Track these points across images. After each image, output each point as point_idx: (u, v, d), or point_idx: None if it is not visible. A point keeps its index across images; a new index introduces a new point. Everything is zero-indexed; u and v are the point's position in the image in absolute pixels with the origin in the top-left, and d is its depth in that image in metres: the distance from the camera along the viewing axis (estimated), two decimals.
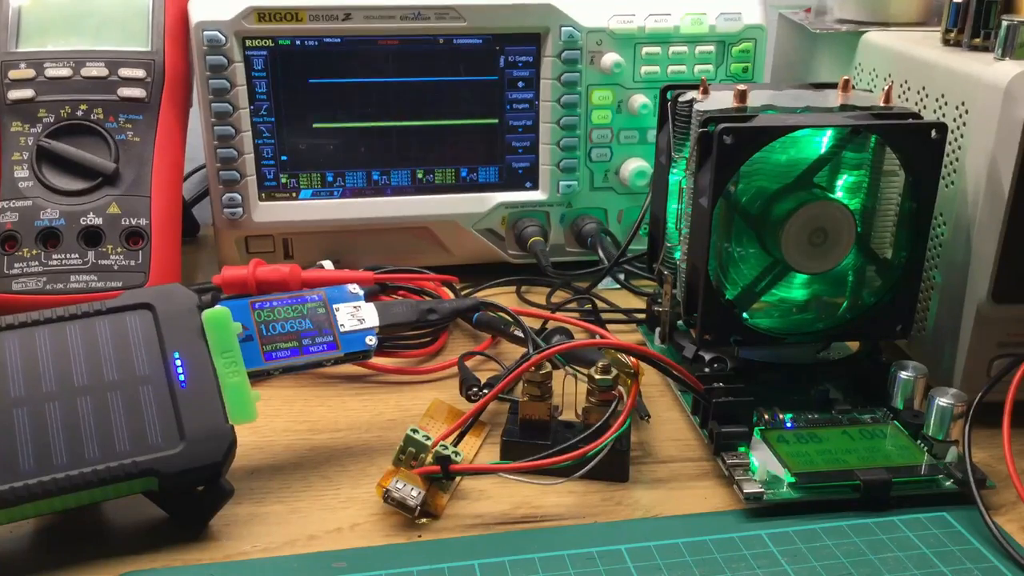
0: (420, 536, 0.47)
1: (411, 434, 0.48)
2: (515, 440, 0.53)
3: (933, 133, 0.52)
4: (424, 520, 0.48)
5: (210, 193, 0.73)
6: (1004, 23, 0.55)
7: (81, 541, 0.46)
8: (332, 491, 0.51)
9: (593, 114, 0.76)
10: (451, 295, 0.71)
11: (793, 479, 0.49)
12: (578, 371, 0.55)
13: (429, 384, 0.63)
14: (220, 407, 0.46)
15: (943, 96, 0.58)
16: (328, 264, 0.69)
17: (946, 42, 0.61)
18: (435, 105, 0.74)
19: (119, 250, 0.65)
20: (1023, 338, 0.56)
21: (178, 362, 0.47)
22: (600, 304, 0.72)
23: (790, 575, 0.44)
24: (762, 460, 0.50)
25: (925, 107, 0.60)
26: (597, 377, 0.52)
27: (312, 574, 0.44)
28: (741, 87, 0.54)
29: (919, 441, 0.53)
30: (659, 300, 0.64)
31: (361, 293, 0.54)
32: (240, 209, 0.73)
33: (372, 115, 0.74)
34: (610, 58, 0.74)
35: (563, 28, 0.73)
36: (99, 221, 0.65)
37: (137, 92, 0.69)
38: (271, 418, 0.57)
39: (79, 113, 0.67)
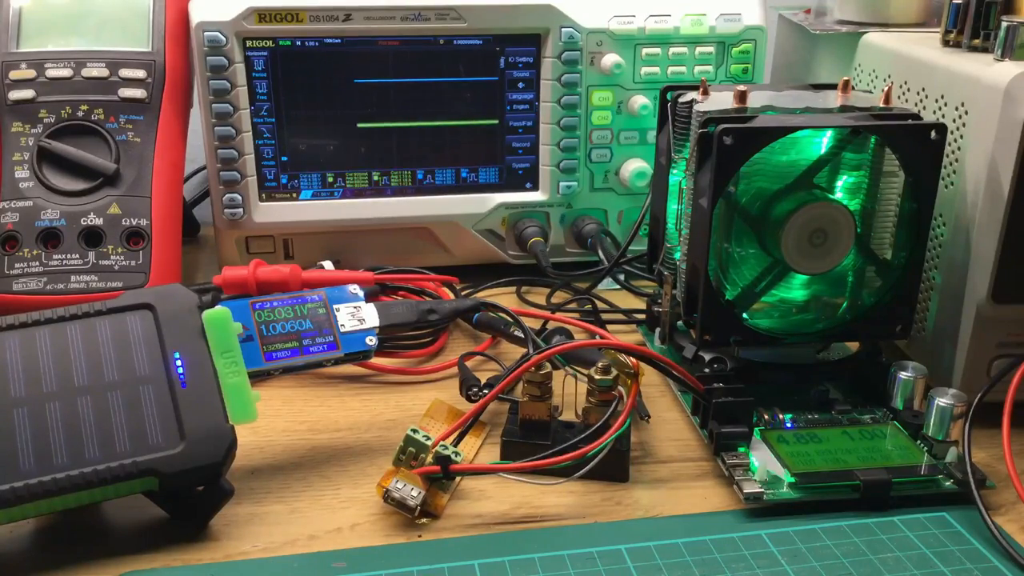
0: (420, 536, 0.47)
1: (411, 434, 0.48)
2: (515, 440, 0.53)
3: (932, 134, 0.52)
4: (424, 520, 0.48)
5: (211, 193, 0.73)
6: (1004, 24, 0.55)
7: (81, 541, 0.46)
8: (332, 491, 0.51)
9: (593, 115, 0.76)
10: (451, 295, 0.71)
11: (793, 479, 0.49)
12: (578, 371, 0.55)
13: (429, 384, 0.63)
14: (220, 407, 0.46)
15: (943, 97, 0.58)
16: (328, 264, 0.69)
17: (946, 43, 0.61)
18: (435, 106, 0.74)
19: (120, 250, 0.65)
20: (1023, 338, 0.56)
21: (178, 362, 0.47)
22: (600, 304, 0.72)
23: (790, 575, 0.44)
24: (762, 460, 0.51)
25: (925, 108, 0.60)
26: (597, 377, 0.52)
27: (312, 574, 0.44)
28: (741, 88, 0.54)
29: (919, 441, 0.53)
30: (659, 300, 0.64)
31: (361, 293, 0.54)
32: (241, 209, 0.73)
33: (372, 116, 0.74)
34: (610, 59, 0.74)
35: (563, 29, 0.73)
36: (100, 221, 0.66)
37: (138, 93, 0.69)
38: (271, 418, 0.57)
39: (80, 113, 0.68)
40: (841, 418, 0.55)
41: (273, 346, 0.50)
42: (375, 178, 0.76)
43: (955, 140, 0.56)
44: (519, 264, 0.79)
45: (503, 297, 0.75)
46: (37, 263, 0.64)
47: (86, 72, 0.68)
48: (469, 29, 0.72)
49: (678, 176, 0.59)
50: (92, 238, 0.65)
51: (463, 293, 0.74)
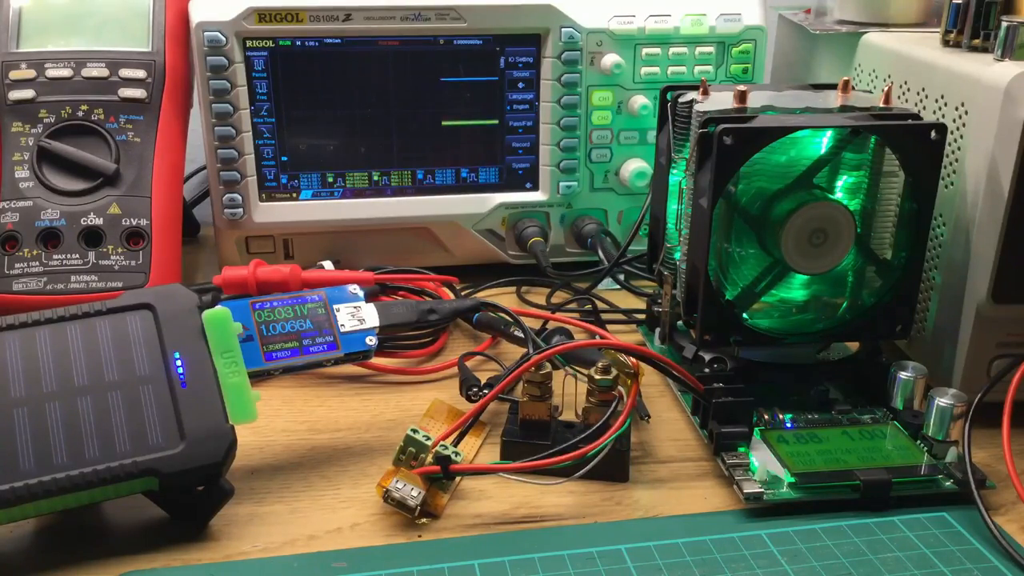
0: (420, 536, 0.47)
1: (411, 434, 0.48)
2: (515, 440, 0.53)
3: (932, 134, 0.52)
4: (424, 520, 0.48)
5: (211, 193, 0.73)
6: (1004, 24, 0.55)
7: (81, 541, 0.46)
8: (332, 491, 0.51)
9: (593, 115, 0.76)
10: (451, 295, 0.71)
11: (793, 479, 0.49)
12: (578, 371, 0.55)
13: (429, 384, 0.63)
14: (220, 407, 0.46)
15: (943, 97, 0.58)
16: (328, 264, 0.69)
17: (946, 43, 0.61)
18: (435, 106, 0.74)
19: (120, 250, 0.65)
20: (1023, 338, 0.56)
21: (178, 362, 0.47)
22: (600, 304, 0.72)
23: (790, 575, 0.44)
24: (762, 460, 0.51)
25: (925, 108, 0.60)
26: (597, 377, 0.52)
27: (312, 574, 0.44)
28: (741, 88, 0.54)
29: (919, 441, 0.53)
30: (659, 300, 0.64)
31: (361, 293, 0.54)
32: (241, 209, 0.73)
33: (372, 116, 0.74)
34: (610, 59, 0.74)
35: (563, 29, 0.73)
36: (100, 221, 0.66)
37: (138, 93, 0.69)
38: (271, 418, 0.57)
39: (80, 113, 0.68)
40: (841, 418, 0.55)
41: (273, 346, 0.50)
42: (375, 178, 0.76)
43: (955, 140, 0.56)
44: (519, 264, 0.79)
45: (503, 297, 0.75)
46: (37, 263, 0.64)
47: (86, 72, 0.68)
48: (469, 29, 0.72)
49: (678, 176, 0.59)
50: (92, 238, 0.65)
51: (463, 293, 0.74)
